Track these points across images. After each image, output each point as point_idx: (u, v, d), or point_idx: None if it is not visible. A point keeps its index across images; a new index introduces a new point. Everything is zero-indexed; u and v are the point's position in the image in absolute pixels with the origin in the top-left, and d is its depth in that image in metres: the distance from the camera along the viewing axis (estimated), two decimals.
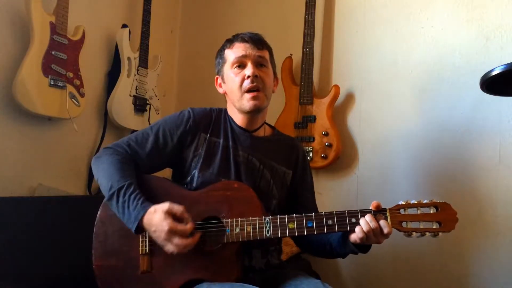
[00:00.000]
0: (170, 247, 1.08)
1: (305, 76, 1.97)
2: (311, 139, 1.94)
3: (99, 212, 1.22)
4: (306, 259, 1.89)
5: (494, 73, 1.11)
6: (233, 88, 1.27)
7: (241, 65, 1.26)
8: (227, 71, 1.29)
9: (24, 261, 1.43)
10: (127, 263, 1.17)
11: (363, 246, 1.15)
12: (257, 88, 1.24)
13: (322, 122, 1.93)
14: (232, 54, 1.28)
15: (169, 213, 1.09)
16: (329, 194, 2.01)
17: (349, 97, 2.01)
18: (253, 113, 1.28)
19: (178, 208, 1.10)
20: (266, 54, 1.30)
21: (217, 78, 1.36)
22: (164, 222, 1.07)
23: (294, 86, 2.02)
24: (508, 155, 1.64)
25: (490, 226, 1.66)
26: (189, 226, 1.09)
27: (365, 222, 1.09)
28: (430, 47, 1.84)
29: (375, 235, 1.08)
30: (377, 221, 1.09)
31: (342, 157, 1.96)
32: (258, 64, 1.27)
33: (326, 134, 1.91)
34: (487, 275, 1.66)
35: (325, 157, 1.91)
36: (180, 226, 1.08)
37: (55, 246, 1.51)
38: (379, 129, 1.93)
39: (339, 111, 2.01)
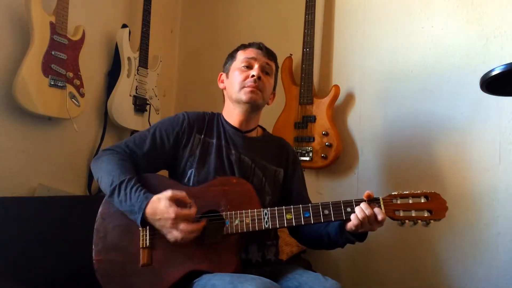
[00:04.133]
0: (175, 234, 1.11)
1: (305, 76, 1.97)
2: (311, 139, 1.94)
3: (100, 209, 1.23)
4: (306, 259, 1.89)
5: (494, 73, 1.11)
6: (234, 83, 1.35)
7: (249, 66, 1.35)
8: (233, 68, 1.38)
9: (24, 261, 1.43)
10: (127, 257, 1.18)
11: (360, 235, 1.19)
12: (257, 88, 1.32)
13: (322, 122, 1.93)
14: (243, 54, 1.38)
15: (173, 200, 1.12)
16: (329, 194, 2.00)
17: (349, 97, 2.01)
18: (248, 107, 1.34)
19: (181, 194, 1.14)
20: (273, 66, 1.41)
21: (221, 74, 1.44)
22: (169, 209, 1.10)
23: (294, 86, 2.02)
24: (508, 155, 1.64)
25: (490, 226, 1.66)
26: (193, 210, 1.13)
27: (360, 210, 1.14)
28: (430, 47, 1.84)
29: (370, 222, 1.13)
30: (372, 208, 1.14)
31: (342, 157, 1.96)
32: (264, 70, 1.36)
33: (326, 134, 1.91)
34: (487, 274, 1.66)
35: (325, 157, 1.91)
36: (185, 211, 1.12)
37: (55, 246, 1.51)
38: (379, 129, 1.93)
39: (339, 111, 2.01)
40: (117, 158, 1.24)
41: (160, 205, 1.12)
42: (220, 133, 1.36)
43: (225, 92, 1.42)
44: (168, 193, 1.13)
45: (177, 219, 1.10)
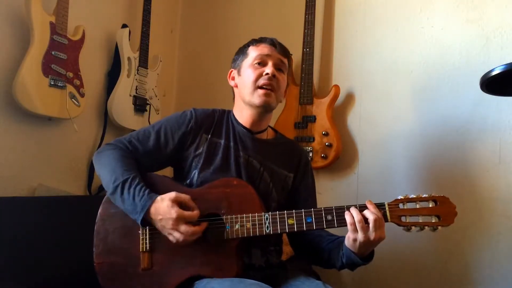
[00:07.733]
0: (176, 235, 1.10)
1: (305, 76, 1.97)
2: (311, 139, 1.94)
3: (99, 210, 1.22)
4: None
5: (494, 73, 1.11)
6: (247, 82, 1.28)
7: (261, 62, 1.28)
8: (245, 65, 1.31)
9: (24, 261, 1.43)
10: (128, 260, 1.17)
11: (364, 257, 1.12)
12: (271, 87, 1.26)
13: (322, 122, 1.93)
14: (256, 51, 1.30)
15: (176, 201, 1.12)
16: (329, 194, 2.01)
17: (349, 97, 2.01)
18: (261, 110, 1.29)
19: (184, 196, 1.14)
20: (286, 63, 1.34)
21: (231, 71, 1.37)
22: (172, 209, 1.10)
23: (294, 86, 2.02)
24: (508, 155, 1.64)
25: (490, 226, 1.66)
26: (195, 212, 1.13)
27: (348, 215, 1.09)
28: (430, 47, 1.84)
29: (363, 229, 1.06)
30: (360, 211, 1.08)
31: (342, 157, 1.96)
32: (278, 67, 1.30)
33: (326, 134, 1.91)
34: (487, 275, 1.66)
35: (325, 157, 1.91)
36: (188, 213, 1.11)
37: (55, 246, 1.51)
38: (379, 129, 1.93)
39: (339, 111, 2.01)
40: (119, 154, 1.22)
41: (163, 205, 1.11)
42: (229, 133, 1.31)
43: (236, 90, 1.35)
44: (172, 194, 1.13)
45: (178, 220, 1.09)
